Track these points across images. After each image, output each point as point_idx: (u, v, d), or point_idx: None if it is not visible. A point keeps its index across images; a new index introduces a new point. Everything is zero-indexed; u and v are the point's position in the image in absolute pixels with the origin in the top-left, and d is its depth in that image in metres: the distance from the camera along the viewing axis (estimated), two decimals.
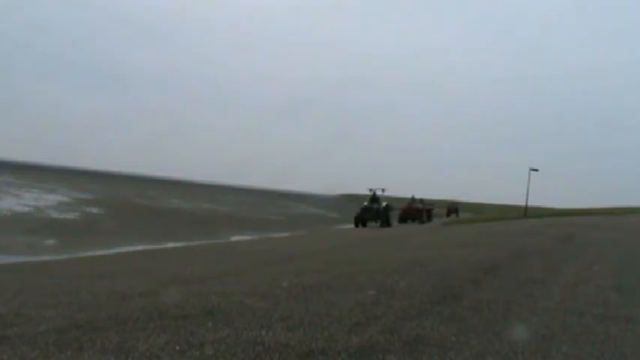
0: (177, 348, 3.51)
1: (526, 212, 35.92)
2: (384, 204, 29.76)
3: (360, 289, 5.71)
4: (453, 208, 51.75)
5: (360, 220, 28.86)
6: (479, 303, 5.13)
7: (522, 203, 37.93)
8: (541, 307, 5.08)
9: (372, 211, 29.16)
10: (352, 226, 30.21)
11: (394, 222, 31.92)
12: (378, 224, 28.25)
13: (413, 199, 37.56)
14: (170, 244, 16.29)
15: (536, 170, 37.50)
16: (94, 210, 28.66)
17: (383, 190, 31.28)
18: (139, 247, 15.02)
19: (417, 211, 35.47)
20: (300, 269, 7.81)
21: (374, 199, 30.47)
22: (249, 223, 30.54)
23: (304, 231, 27.26)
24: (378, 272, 6.93)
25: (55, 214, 24.39)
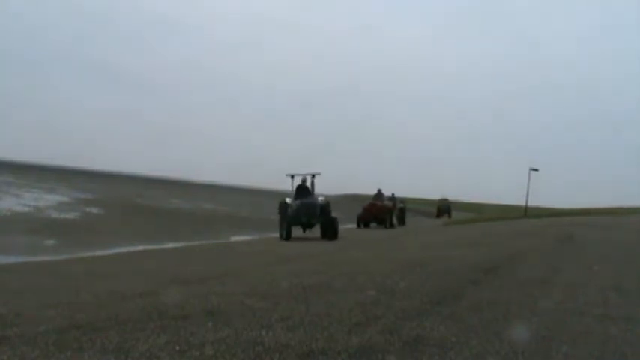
0: (177, 348, 3.51)
1: (526, 212, 35.92)
2: (320, 199, 18.16)
3: (360, 289, 5.71)
4: (444, 208, 45.14)
5: (295, 224, 17.34)
6: (479, 303, 5.13)
7: (522, 203, 37.91)
8: (541, 307, 5.08)
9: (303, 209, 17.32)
10: (353, 226, 25.77)
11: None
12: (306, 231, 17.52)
13: (379, 195, 29.05)
14: (170, 244, 16.28)
15: (536, 170, 37.48)
16: (94, 210, 28.65)
17: (313, 177, 18.66)
18: (139, 247, 15.01)
19: (382, 211, 27.19)
20: (300, 269, 7.82)
21: (302, 191, 18.26)
22: (249, 223, 30.51)
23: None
24: (377, 272, 6.93)
25: (55, 214, 24.39)
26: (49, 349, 3.47)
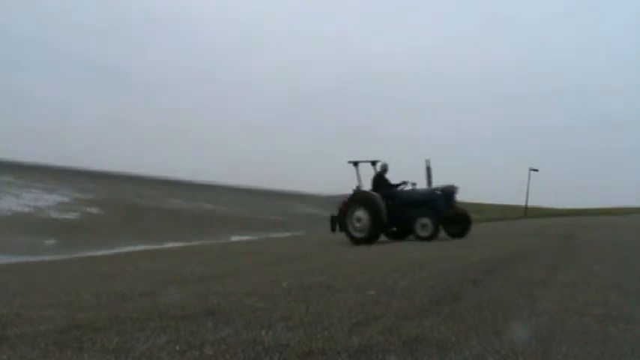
0: (177, 348, 3.51)
1: (526, 212, 35.92)
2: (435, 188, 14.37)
3: (360, 289, 5.71)
4: None
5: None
6: (479, 303, 5.13)
7: (522, 203, 37.94)
8: (541, 307, 5.08)
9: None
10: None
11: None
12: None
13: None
14: (170, 244, 16.30)
15: (536, 170, 37.53)
16: (94, 210, 28.65)
17: (374, 164, 14.96)
18: (139, 247, 15.03)
19: None
20: (300, 269, 7.81)
21: (383, 181, 14.66)
22: (249, 223, 30.53)
23: (305, 231, 27.27)
24: (377, 272, 6.93)
25: (55, 214, 24.39)
26: (49, 349, 3.47)
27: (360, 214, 13.90)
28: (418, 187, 14.83)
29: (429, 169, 14.33)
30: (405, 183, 14.74)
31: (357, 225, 13.96)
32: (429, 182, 14.46)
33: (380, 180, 14.63)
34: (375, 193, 14.22)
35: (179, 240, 17.81)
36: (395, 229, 14.86)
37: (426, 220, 13.58)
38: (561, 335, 4.09)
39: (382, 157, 14.79)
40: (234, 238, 20.80)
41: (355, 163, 14.91)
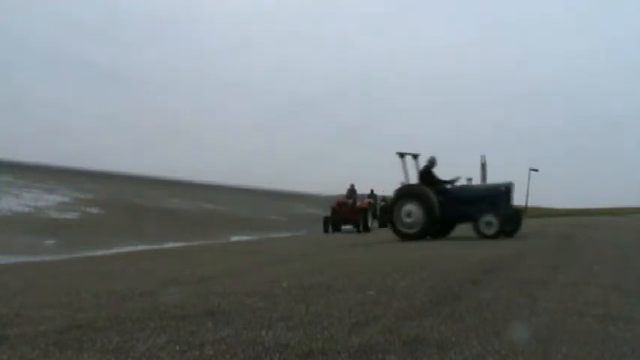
0: (177, 348, 3.51)
1: (526, 212, 35.91)
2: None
3: (360, 289, 5.71)
4: None
5: None
6: (479, 303, 5.12)
7: (522, 203, 37.89)
8: (541, 307, 5.08)
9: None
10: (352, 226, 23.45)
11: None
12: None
13: (352, 191, 24.66)
14: (170, 244, 16.30)
15: (536, 170, 37.45)
16: (94, 210, 28.67)
17: (416, 158, 14.30)
18: (139, 247, 15.04)
19: (354, 211, 22.73)
20: (300, 270, 7.81)
21: (431, 177, 14.02)
22: (249, 223, 30.55)
23: (305, 231, 27.28)
24: (377, 272, 6.93)
25: (55, 214, 24.41)
26: (48, 349, 3.47)
27: (412, 208, 13.13)
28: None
29: (484, 166, 13.83)
30: (456, 179, 13.99)
31: (407, 220, 13.21)
32: (484, 178, 14.10)
33: (427, 174, 13.72)
34: (427, 187, 13.35)
35: (179, 240, 17.83)
36: (438, 226, 13.89)
37: (490, 218, 12.96)
38: (561, 335, 4.08)
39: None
40: (234, 238, 20.82)
41: (402, 155, 13.97)
